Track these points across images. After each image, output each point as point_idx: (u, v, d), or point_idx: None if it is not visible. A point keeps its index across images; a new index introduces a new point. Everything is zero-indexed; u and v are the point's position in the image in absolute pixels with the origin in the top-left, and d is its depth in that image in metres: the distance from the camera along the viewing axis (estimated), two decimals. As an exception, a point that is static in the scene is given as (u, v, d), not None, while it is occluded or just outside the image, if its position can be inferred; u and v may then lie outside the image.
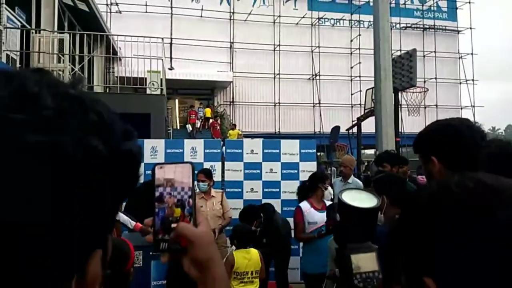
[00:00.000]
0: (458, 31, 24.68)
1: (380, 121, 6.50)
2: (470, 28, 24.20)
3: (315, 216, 4.08)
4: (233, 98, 21.18)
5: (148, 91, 9.97)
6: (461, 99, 24.38)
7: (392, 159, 4.27)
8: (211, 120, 18.46)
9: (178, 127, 20.97)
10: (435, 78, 22.50)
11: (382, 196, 2.37)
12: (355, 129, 11.49)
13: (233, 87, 21.06)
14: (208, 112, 18.93)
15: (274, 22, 21.92)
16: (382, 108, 6.48)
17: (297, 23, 22.21)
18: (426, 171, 1.57)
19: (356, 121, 10.37)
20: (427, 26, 23.93)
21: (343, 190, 1.89)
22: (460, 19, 24.98)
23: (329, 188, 4.18)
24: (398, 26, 22.35)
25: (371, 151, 31.83)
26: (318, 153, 21.68)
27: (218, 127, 15.31)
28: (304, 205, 4.19)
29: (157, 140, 5.40)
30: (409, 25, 23.43)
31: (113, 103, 0.48)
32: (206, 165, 5.40)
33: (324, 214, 3.97)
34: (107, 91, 12.51)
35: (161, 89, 9.94)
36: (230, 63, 21.22)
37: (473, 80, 23.96)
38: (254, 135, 18.92)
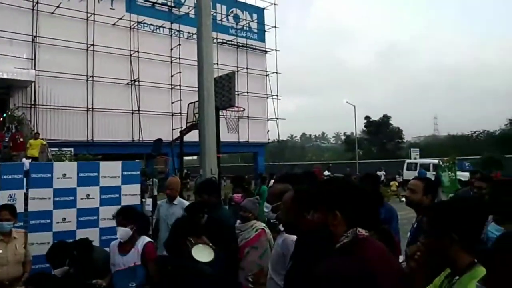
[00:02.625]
0: (266, 52, 27.84)
1: (204, 139, 6.68)
2: (276, 50, 27.66)
3: (115, 260, 3.40)
4: (35, 100, 18.30)
5: None
6: (267, 112, 27.54)
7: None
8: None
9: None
10: (247, 92, 24.71)
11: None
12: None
13: (36, 87, 18.21)
14: None
15: (87, 19, 20.05)
16: (206, 126, 6.69)
17: (114, 24, 20.92)
18: None
19: (179, 135, 10.46)
20: (241, 44, 26.13)
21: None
22: (268, 41, 28.27)
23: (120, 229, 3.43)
24: (215, 41, 23.62)
25: (193, 157, 32.71)
26: (137, 160, 20.80)
27: (21, 139, 12.08)
28: (112, 245, 3.58)
29: None
30: (224, 41, 25.07)
31: None
32: (4, 194, 4.42)
33: (126, 257, 3.34)
34: None
35: None
36: (32, 59, 18.29)
37: (277, 95, 27.42)
38: (62, 144, 16.79)
